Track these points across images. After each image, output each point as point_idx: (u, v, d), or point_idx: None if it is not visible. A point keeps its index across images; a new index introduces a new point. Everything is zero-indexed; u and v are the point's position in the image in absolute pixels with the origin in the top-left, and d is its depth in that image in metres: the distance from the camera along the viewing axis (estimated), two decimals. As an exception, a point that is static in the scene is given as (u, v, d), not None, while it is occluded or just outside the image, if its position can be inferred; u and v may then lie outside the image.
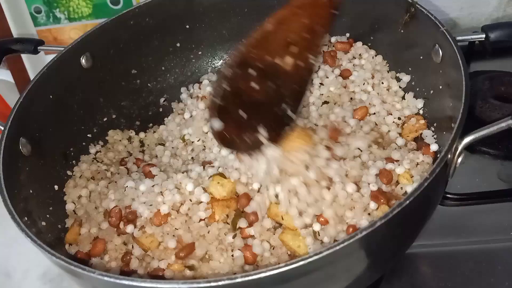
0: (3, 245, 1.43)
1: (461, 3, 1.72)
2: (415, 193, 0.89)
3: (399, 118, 1.29)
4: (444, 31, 1.17)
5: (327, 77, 1.40)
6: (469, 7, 1.73)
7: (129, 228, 1.14)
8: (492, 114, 1.39)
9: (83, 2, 1.66)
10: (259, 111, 1.00)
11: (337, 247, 0.83)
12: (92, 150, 1.39)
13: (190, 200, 1.16)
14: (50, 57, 1.35)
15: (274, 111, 1.02)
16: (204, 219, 1.15)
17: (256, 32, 0.99)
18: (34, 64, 1.73)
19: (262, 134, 1.00)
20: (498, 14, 1.74)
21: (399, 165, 1.14)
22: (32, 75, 1.73)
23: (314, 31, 1.01)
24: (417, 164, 1.15)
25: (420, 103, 1.30)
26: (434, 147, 1.17)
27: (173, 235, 1.12)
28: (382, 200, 1.09)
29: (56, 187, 1.27)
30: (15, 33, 1.68)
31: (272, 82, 1.00)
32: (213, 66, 1.61)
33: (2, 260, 1.41)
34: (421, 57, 1.27)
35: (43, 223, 1.15)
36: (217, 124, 0.98)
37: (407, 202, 0.88)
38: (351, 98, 1.35)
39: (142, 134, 1.48)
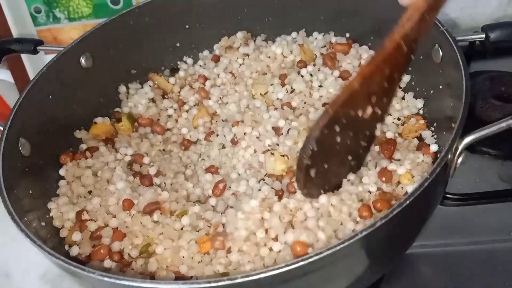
0: (3, 245, 1.43)
1: (461, 3, 1.72)
2: (415, 193, 0.90)
3: (398, 119, 1.29)
4: (444, 31, 1.17)
5: (326, 79, 1.40)
6: (470, 7, 1.73)
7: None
8: (493, 114, 1.39)
9: (83, 2, 1.67)
10: (337, 158, 1.08)
11: (337, 247, 0.83)
12: (92, 150, 1.38)
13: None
14: (50, 57, 1.34)
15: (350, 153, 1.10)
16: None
17: (343, 91, 1.01)
18: (34, 64, 1.73)
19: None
20: (499, 14, 1.74)
21: (400, 165, 1.14)
22: (32, 75, 1.72)
23: (393, 78, 1.05)
24: (417, 164, 1.15)
25: (420, 103, 1.29)
26: (434, 147, 1.17)
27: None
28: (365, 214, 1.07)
29: (56, 187, 1.26)
30: (15, 33, 1.68)
31: (352, 131, 1.06)
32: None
33: (2, 260, 1.41)
34: (421, 57, 1.26)
35: (43, 224, 1.14)
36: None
37: (407, 202, 0.88)
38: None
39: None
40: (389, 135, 1.25)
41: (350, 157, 1.10)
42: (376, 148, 1.21)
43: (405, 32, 0.98)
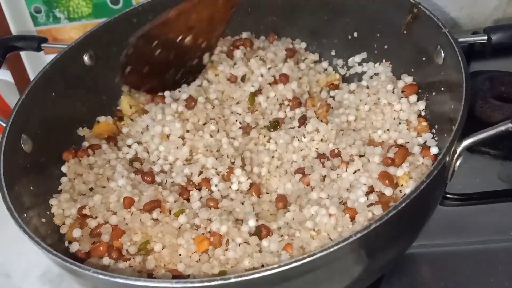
0: (3, 245, 1.44)
1: (461, 3, 1.73)
2: (411, 196, 0.90)
3: (399, 122, 1.28)
4: (446, 32, 1.16)
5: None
6: (469, 7, 1.74)
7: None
8: (492, 114, 1.39)
9: (83, 2, 1.67)
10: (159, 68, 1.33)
11: (331, 249, 0.84)
12: (94, 147, 1.39)
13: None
14: (51, 57, 1.35)
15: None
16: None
17: (159, 17, 1.25)
18: (34, 64, 1.74)
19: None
20: (498, 14, 1.74)
21: (398, 168, 1.14)
22: (32, 75, 1.73)
23: (214, 20, 1.30)
24: (416, 166, 1.15)
25: (422, 104, 1.28)
26: (434, 150, 1.17)
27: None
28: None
29: (57, 184, 1.27)
30: (15, 32, 1.68)
31: (173, 50, 1.30)
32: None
33: (2, 260, 1.42)
34: (424, 58, 1.27)
35: (43, 220, 1.15)
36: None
37: (403, 205, 0.88)
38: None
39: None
40: (400, 141, 1.24)
41: (172, 70, 1.36)
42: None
43: None
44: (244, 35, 1.54)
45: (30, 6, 1.68)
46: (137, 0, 1.66)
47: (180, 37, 1.29)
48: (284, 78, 1.40)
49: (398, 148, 1.18)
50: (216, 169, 1.25)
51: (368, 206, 1.09)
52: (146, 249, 1.10)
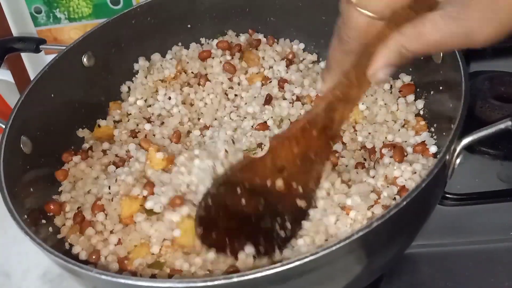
0: (3, 245, 1.44)
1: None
2: (412, 194, 0.89)
3: (394, 121, 1.29)
4: (445, 31, 1.16)
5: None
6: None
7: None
8: (492, 114, 1.38)
9: (83, 2, 1.67)
10: (247, 225, 1.06)
11: (333, 248, 0.83)
12: (94, 149, 1.39)
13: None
14: (51, 57, 1.35)
15: (264, 227, 1.07)
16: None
17: (244, 158, 1.10)
18: (34, 64, 1.73)
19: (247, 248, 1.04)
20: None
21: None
22: (32, 75, 1.73)
23: (310, 159, 1.05)
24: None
25: (420, 104, 1.29)
26: (433, 149, 1.17)
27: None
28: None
29: (57, 185, 1.26)
30: (15, 33, 1.68)
31: (263, 199, 1.06)
32: (214, 65, 1.61)
33: (2, 260, 1.42)
34: (422, 57, 1.27)
35: (43, 221, 1.15)
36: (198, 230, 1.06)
37: (404, 203, 0.88)
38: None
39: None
40: (398, 140, 1.24)
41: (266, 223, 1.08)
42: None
43: (310, 117, 1.00)
44: (242, 37, 1.55)
45: (30, 7, 1.68)
46: (137, 1, 1.66)
47: (269, 182, 1.06)
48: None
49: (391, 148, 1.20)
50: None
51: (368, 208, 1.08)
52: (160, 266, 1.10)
